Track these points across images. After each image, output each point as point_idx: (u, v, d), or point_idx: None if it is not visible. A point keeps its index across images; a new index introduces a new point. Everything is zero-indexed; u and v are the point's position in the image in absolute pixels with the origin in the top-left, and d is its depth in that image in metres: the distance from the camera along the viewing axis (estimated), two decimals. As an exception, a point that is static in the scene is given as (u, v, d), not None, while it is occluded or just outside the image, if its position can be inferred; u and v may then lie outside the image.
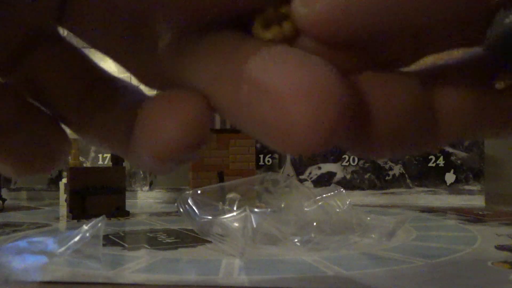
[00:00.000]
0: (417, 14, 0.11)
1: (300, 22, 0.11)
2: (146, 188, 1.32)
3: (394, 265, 0.55)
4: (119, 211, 0.96)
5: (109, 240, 0.70)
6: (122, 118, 0.14)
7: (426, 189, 1.26)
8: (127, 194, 1.01)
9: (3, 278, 0.49)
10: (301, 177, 1.28)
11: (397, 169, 1.27)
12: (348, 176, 1.28)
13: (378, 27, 0.11)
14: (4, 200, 1.10)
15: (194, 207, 0.66)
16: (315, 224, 0.66)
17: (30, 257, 0.56)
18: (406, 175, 1.27)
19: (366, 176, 1.28)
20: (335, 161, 1.28)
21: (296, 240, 0.64)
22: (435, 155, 1.26)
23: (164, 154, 0.12)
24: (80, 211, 0.93)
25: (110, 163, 1.06)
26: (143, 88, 0.15)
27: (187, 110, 0.12)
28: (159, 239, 0.72)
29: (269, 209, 0.68)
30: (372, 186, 1.28)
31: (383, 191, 1.27)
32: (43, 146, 0.15)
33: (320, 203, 0.69)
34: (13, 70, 0.14)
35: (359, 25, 0.11)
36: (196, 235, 0.67)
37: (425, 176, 1.27)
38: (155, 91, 0.14)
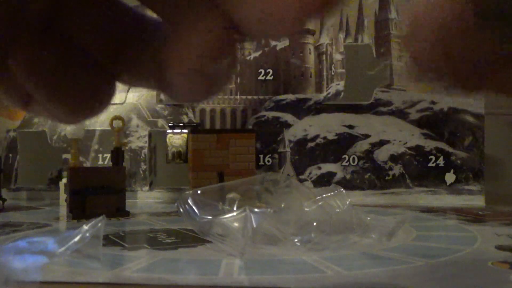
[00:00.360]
0: None
1: None
2: (146, 188, 1.32)
3: (394, 265, 0.55)
4: (119, 211, 0.96)
5: (109, 240, 0.70)
6: (154, 51, 0.14)
7: (426, 189, 1.26)
8: (127, 194, 1.01)
9: (3, 278, 0.49)
10: (301, 177, 1.27)
11: (397, 169, 1.27)
12: (348, 176, 1.28)
13: None
14: (4, 200, 1.10)
15: (194, 207, 0.66)
16: (315, 224, 0.66)
17: (30, 257, 0.56)
18: (406, 175, 1.27)
19: (366, 176, 1.28)
20: (335, 161, 1.28)
21: (296, 240, 0.64)
22: (435, 155, 1.26)
23: (192, 65, 0.13)
24: (80, 211, 0.93)
25: (110, 163, 1.06)
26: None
27: (208, 22, 0.13)
28: (159, 239, 0.72)
29: (269, 209, 0.68)
30: (372, 186, 1.28)
31: (383, 191, 1.27)
32: (90, 89, 0.15)
33: (320, 203, 0.69)
34: (51, 21, 0.14)
35: None
36: (196, 235, 0.67)
37: (425, 176, 1.26)
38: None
